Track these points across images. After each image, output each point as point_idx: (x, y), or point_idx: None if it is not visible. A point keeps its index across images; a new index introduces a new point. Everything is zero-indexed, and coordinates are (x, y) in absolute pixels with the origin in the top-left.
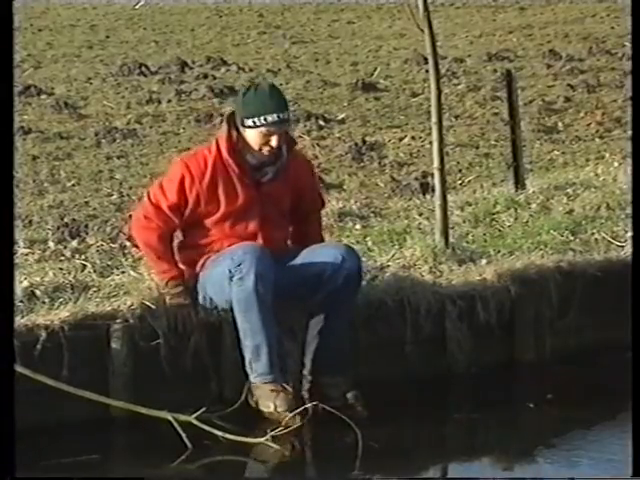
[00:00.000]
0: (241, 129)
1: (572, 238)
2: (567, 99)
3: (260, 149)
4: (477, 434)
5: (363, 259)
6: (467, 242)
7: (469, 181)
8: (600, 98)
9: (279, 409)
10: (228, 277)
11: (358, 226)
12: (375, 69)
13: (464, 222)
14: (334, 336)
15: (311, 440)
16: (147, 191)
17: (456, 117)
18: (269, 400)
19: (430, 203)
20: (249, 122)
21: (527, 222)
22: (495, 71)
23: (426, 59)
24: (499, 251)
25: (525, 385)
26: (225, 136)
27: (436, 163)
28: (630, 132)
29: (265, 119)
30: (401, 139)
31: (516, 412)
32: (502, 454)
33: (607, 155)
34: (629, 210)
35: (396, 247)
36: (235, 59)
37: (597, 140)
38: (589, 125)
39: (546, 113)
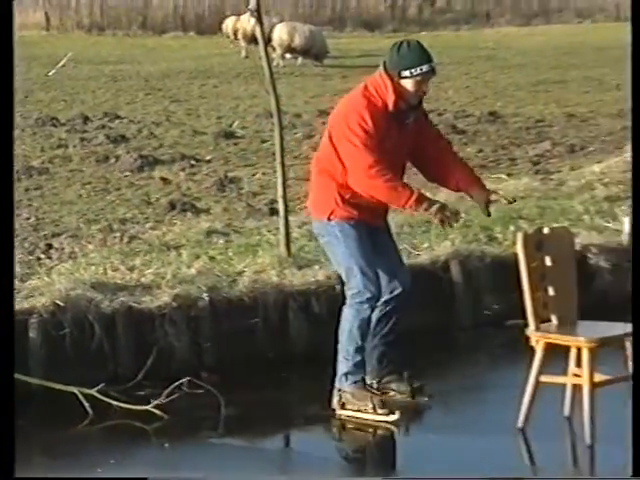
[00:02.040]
0: (396, 79)
1: None
2: None
3: (415, 94)
4: (314, 403)
5: (225, 266)
6: (304, 252)
7: (305, 207)
8: None
9: (377, 406)
10: (348, 286)
11: (222, 241)
12: (234, 121)
13: (302, 237)
14: (396, 342)
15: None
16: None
17: (295, 158)
18: (366, 400)
19: (276, 223)
20: (406, 73)
21: None
22: (324, 123)
23: (272, 114)
24: (328, 259)
25: None
26: (392, 86)
27: (280, 193)
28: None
29: (421, 69)
30: (254, 174)
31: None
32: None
33: None
34: (424, 228)
35: (250, 257)
36: (126, 114)
37: None
38: None
39: None
